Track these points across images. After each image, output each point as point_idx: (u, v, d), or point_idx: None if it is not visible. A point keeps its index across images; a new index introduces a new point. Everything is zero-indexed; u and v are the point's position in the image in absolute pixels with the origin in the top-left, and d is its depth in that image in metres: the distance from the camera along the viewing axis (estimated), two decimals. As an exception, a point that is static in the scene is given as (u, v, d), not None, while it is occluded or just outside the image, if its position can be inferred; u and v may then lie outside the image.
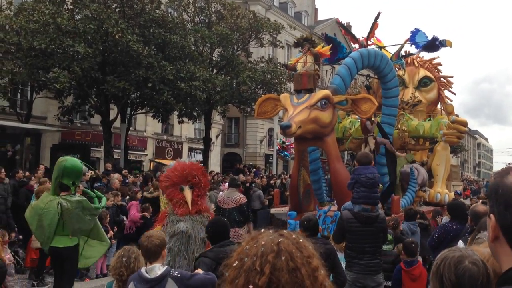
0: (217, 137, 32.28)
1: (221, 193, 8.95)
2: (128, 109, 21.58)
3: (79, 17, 17.91)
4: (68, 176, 6.59)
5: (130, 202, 11.37)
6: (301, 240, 1.48)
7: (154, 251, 3.74)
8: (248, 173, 23.62)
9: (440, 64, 14.35)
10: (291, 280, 1.37)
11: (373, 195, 5.93)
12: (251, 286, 1.37)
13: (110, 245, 10.21)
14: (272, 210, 6.35)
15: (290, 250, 1.42)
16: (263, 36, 24.50)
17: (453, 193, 13.21)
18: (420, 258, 6.76)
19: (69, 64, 16.23)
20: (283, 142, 29.34)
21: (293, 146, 24.84)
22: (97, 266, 9.90)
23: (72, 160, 6.83)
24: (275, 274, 1.37)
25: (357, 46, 11.79)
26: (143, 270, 3.70)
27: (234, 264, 1.45)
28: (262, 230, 1.54)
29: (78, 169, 6.73)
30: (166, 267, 3.74)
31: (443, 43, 11.89)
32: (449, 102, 14.03)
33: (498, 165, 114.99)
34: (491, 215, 1.40)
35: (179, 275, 3.65)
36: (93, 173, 13.87)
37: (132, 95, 19.46)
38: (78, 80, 17.03)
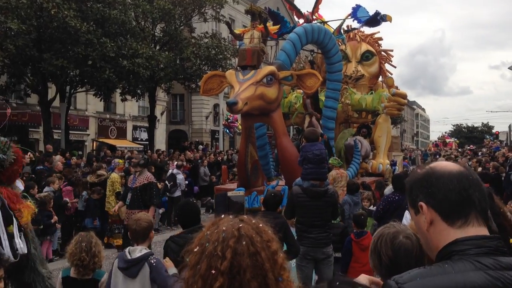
0: (162, 114, 31.76)
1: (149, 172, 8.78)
2: (68, 88, 20.76)
3: (10, -9, 16.89)
4: None
5: (64, 188, 11.01)
6: (260, 225, 1.52)
7: (143, 234, 3.91)
8: (195, 150, 23.53)
9: (381, 39, 14.71)
10: (252, 264, 1.41)
11: (321, 170, 6.09)
12: (213, 271, 1.40)
13: (55, 231, 10.00)
14: (229, 193, 6.40)
15: (251, 235, 1.45)
16: (206, 10, 24.09)
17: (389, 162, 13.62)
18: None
19: (1, 41, 15.37)
20: (228, 119, 29.28)
21: (235, 125, 24.80)
22: (42, 251, 9.63)
23: None
24: (236, 259, 1.40)
25: (301, 21, 11.84)
26: (127, 250, 3.85)
27: (195, 250, 1.47)
28: (223, 216, 1.56)
29: None
30: (147, 251, 3.85)
31: (384, 18, 12.19)
32: (390, 75, 14.46)
33: (434, 134, 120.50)
34: (422, 205, 1.46)
35: (154, 264, 3.75)
36: (31, 155, 13.36)
37: (71, 73, 18.72)
38: (12, 58, 16.18)
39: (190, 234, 4.04)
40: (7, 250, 4.68)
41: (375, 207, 7.40)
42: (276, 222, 4.76)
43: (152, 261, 3.74)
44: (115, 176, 10.94)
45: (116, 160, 12.58)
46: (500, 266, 1.31)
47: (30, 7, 16.07)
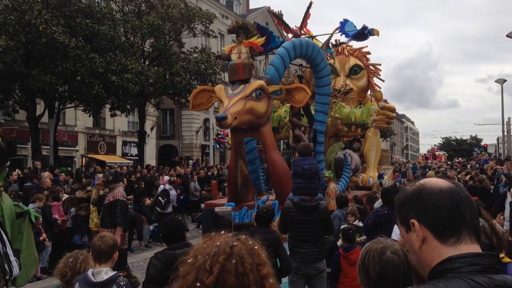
0: (151, 129, 31.68)
1: (120, 189, 7.86)
2: (56, 103, 20.67)
3: (-2, 7, 16.89)
4: None
5: (51, 203, 10.90)
6: (256, 247, 1.51)
7: (107, 252, 3.70)
8: (185, 165, 23.45)
9: (368, 53, 14.86)
10: (237, 284, 1.40)
11: (310, 185, 6.00)
12: (198, 284, 1.39)
13: (44, 248, 9.87)
14: (217, 209, 6.35)
15: (242, 255, 1.44)
16: (195, 26, 24.20)
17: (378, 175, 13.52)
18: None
19: (-11, 58, 15.31)
20: (218, 134, 29.27)
21: (225, 140, 24.86)
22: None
23: None
24: (223, 276, 1.39)
25: (290, 35, 11.93)
26: (89, 272, 3.60)
27: (189, 261, 1.47)
28: (222, 232, 1.56)
29: None
30: (114, 272, 3.65)
31: (371, 32, 12.32)
32: (378, 89, 14.56)
33: (424, 146, 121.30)
34: (414, 222, 1.43)
35: (124, 287, 3.60)
36: (19, 172, 13.24)
37: (60, 89, 18.65)
38: (0, 74, 16.10)
39: (174, 250, 4.02)
40: (15, 265, 4.67)
41: (360, 222, 7.36)
42: (268, 238, 4.74)
43: (122, 283, 3.60)
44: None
45: (100, 175, 12.47)
46: (493, 284, 1.28)
47: (18, 23, 16.04)
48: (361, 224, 7.21)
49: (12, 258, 4.66)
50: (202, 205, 16.48)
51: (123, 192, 7.75)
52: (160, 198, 13.84)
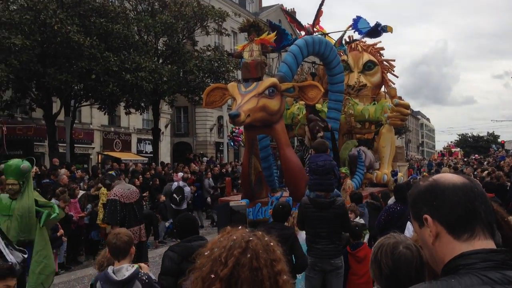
0: (166, 127, 31.86)
1: (118, 186, 7.80)
2: (72, 102, 20.91)
3: (14, 7, 17.13)
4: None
5: None
6: (271, 243, 1.54)
7: (123, 249, 3.68)
8: (199, 162, 23.56)
9: (382, 49, 14.74)
10: (251, 278, 1.42)
11: (325, 181, 6.03)
12: (212, 275, 1.43)
13: (61, 244, 10.04)
14: (232, 203, 6.38)
15: (258, 250, 1.47)
16: (208, 24, 24.26)
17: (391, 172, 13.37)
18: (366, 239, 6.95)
19: (6, 57, 15.52)
20: (232, 132, 29.33)
21: (240, 138, 24.90)
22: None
23: (12, 161, 6.52)
24: (237, 269, 1.43)
25: (303, 33, 11.92)
26: (110, 270, 3.60)
27: (206, 253, 1.51)
28: (240, 227, 1.59)
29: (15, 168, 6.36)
30: (134, 268, 3.63)
31: (385, 29, 12.25)
32: (392, 85, 14.44)
33: (440, 143, 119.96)
34: (427, 217, 1.43)
35: (147, 281, 3.59)
36: (37, 169, 13.42)
37: (75, 87, 18.87)
38: (16, 73, 16.32)
39: (189, 243, 4.08)
40: (11, 257, 4.82)
41: (361, 219, 7.32)
42: (282, 233, 4.77)
43: (144, 278, 3.58)
44: (104, 188, 10.93)
45: (109, 172, 12.60)
46: (507, 281, 1.27)
47: (34, 23, 16.24)
48: (362, 221, 7.18)
49: (6, 251, 4.84)
50: (208, 199, 16.64)
51: (117, 189, 7.70)
52: (174, 195, 13.94)
